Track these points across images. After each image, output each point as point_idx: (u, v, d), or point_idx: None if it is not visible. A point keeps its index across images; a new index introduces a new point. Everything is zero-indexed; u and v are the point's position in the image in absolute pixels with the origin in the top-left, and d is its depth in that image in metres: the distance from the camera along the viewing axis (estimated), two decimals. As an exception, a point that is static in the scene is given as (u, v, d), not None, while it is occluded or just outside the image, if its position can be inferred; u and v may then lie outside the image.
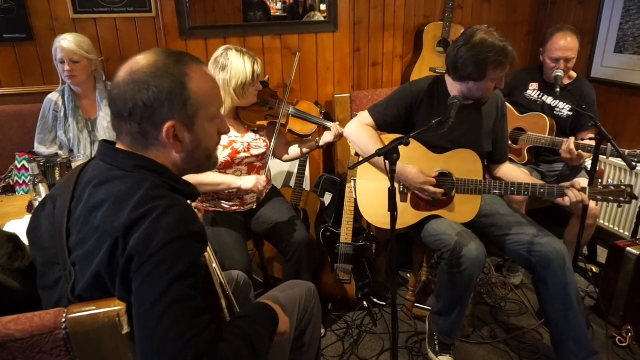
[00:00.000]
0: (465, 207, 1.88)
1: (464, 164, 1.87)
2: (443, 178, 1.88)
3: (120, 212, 0.85)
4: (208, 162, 1.06)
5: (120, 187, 0.90)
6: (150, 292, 0.81)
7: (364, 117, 1.95)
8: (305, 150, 2.16)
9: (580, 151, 2.16)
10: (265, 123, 2.05)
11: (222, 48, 1.91)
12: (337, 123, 2.11)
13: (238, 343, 0.93)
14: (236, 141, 1.97)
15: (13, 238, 1.07)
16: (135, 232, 0.83)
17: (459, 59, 1.72)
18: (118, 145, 0.98)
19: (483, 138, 1.93)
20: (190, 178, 1.81)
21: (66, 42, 2.04)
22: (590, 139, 2.30)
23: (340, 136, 2.06)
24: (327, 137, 2.08)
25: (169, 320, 0.79)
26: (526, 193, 1.80)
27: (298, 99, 2.30)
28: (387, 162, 1.41)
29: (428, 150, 1.90)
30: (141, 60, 0.94)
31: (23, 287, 1.00)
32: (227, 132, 1.08)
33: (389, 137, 1.92)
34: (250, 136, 2.02)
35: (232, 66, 1.84)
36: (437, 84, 1.90)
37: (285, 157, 2.19)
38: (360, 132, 1.90)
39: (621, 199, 1.69)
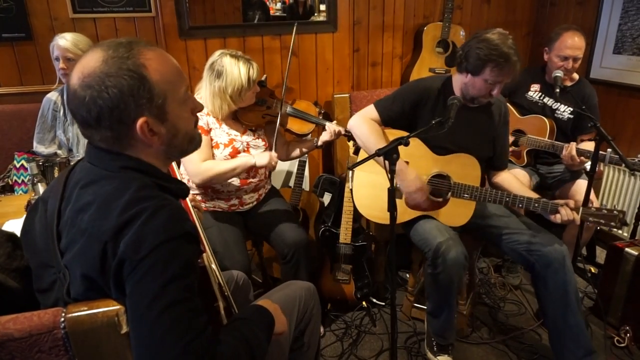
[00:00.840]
0: (459, 211, 1.88)
1: (463, 168, 1.87)
2: (440, 180, 1.88)
3: (108, 215, 0.84)
4: (191, 145, 1.02)
5: (107, 188, 0.88)
6: (144, 296, 0.79)
7: (369, 111, 1.94)
8: (304, 149, 2.16)
9: (582, 157, 2.15)
10: (263, 123, 2.05)
11: (216, 53, 1.90)
12: (335, 122, 2.11)
13: (236, 344, 0.93)
14: (236, 139, 1.97)
15: (12, 237, 1.07)
16: (124, 235, 0.81)
17: (466, 48, 1.75)
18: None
19: (485, 142, 1.94)
20: (206, 172, 1.81)
21: (63, 40, 2.04)
22: (590, 140, 2.30)
23: (337, 135, 2.06)
24: (324, 137, 2.08)
25: (166, 324, 0.78)
26: (520, 205, 1.79)
27: (296, 98, 2.29)
28: (386, 162, 1.41)
29: (429, 150, 1.90)
30: (90, 61, 0.87)
31: (22, 286, 1.00)
32: (201, 109, 1.03)
33: (392, 132, 1.92)
34: (249, 136, 2.02)
35: (227, 73, 1.84)
36: (445, 85, 1.91)
37: (285, 156, 2.19)
38: (363, 126, 1.90)
39: (612, 223, 1.67)
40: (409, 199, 1.86)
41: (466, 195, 1.83)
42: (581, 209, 1.72)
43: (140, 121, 0.88)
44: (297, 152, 2.17)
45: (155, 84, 0.88)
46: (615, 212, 1.67)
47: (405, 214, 1.92)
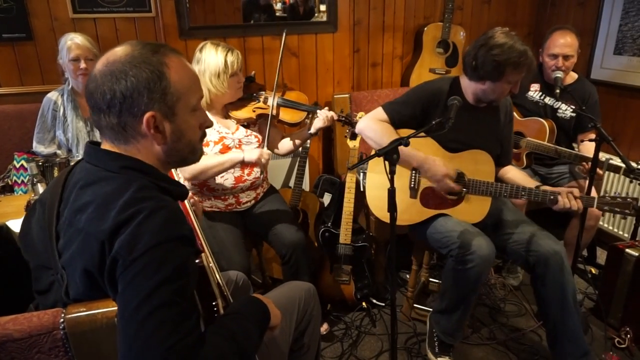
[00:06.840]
0: (475, 208, 1.87)
1: (477, 164, 1.86)
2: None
3: (105, 215, 0.84)
4: (192, 156, 1.04)
5: (106, 188, 0.88)
6: (134, 297, 0.79)
7: (378, 113, 1.92)
8: (299, 140, 2.12)
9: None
10: (254, 116, 2.05)
11: (200, 45, 1.94)
12: (326, 108, 2.08)
13: (221, 344, 0.90)
14: (227, 137, 1.97)
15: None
16: (120, 235, 0.82)
17: (479, 58, 1.73)
18: (103, 146, 0.96)
19: (494, 141, 1.93)
20: (195, 165, 1.78)
21: (80, 39, 2.05)
22: (591, 140, 2.29)
23: (330, 120, 2.02)
24: (317, 124, 2.03)
25: (151, 326, 0.78)
26: (537, 199, 1.78)
27: (285, 89, 2.29)
28: (386, 162, 1.41)
29: (442, 148, 1.89)
30: (118, 52, 0.93)
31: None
32: (210, 125, 1.06)
33: (404, 132, 1.91)
34: (241, 132, 2.02)
35: (205, 57, 1.88)
36: (453, 86, 1.90)
37: (282, 150, 2.16)
38: (375, 126, 1.88)
39: (627, 211, 1.71)
40: (439, 185, 1.83)
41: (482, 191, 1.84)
42: (596, 198, 1.74)
43: (148, 114, 0.91)
44: (293, 144, 2.14)
45: (172, 84, 0.93)
46: (629, 199, 1.72)
47: (420, 214, 1.91)
